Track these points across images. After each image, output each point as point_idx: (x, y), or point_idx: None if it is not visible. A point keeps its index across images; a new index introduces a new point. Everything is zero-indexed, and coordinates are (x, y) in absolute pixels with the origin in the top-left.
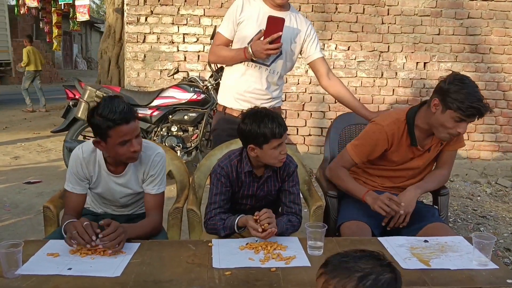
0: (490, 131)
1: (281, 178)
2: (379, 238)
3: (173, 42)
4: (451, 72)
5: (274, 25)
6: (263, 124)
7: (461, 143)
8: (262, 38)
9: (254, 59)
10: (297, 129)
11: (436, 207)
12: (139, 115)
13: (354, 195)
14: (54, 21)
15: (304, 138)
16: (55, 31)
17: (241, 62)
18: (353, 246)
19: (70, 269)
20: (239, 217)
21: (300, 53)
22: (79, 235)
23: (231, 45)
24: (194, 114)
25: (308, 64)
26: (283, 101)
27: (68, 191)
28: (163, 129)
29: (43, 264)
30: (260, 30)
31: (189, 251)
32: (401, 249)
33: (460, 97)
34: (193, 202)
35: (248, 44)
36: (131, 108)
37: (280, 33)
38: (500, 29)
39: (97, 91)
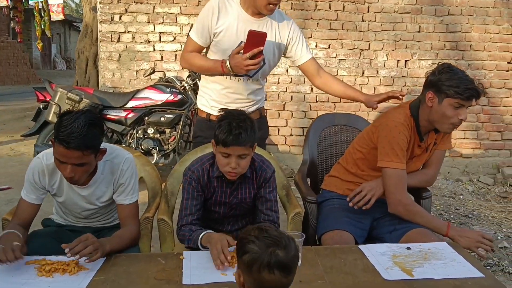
0: (472, 129)
1: (257, 184)
2: (360, 246)
3: (149, 41)
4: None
5: (256, 39)
6: (221, 126)
7: (449, 144)
8: (241, 52)
9: (233, 74)
10: (278, 129)
11: None
12: (114, 117)
13: (436, 231)
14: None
15: (286, 138)
16: (38, 31)
17: (219, 74)
18: (333, 255)
19: None
20: (203, 233)
21: (285, 55)
22: (3, 251)
23: (206, 51)
24: (171, 116)
25: (297, 66)
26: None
27: (22, 198)
28: (139, 132)
29: None
30: (240, 43)
31: (158, 265)
32: (382, 258)
33: (455, 83)
34: (164, 211)
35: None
36: (89, 137)
37: (262, 48)
38: (480, 26)
39: (69, 93)
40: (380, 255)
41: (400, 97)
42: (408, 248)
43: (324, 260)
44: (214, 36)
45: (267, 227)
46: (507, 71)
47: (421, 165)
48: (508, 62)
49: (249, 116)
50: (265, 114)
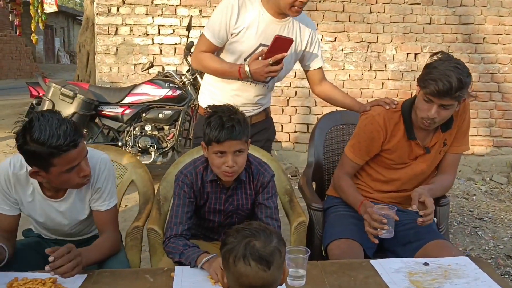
0: (484, 125)
1: (255, 190)
2: (372, 262)
3: (147, 34)
4: None
5: (280, 45)
6: (211, 123)
7: (465, 146)
8: (261, 57)
9: (251, 80)
10: (282, 125)
11: (434, 219)
12: (109, 113)
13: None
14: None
15: (289, 135)
16: (33, 24)
17: (234, 79)
18: (341, 272)
19: None
20: (206, 258)
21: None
22: None
23: (219, 52)
24: (169, 112)
25: (304, 70)
26: None
27: None
28: (136, 129)
29: None
30: (259, 46)
31: (146, 283)
32: (397, 276)
33: (427, 73)
34: (155, 220)
35: (245, 60)
36: (75, 126)
37: (286, 54)
38: (495, 18)
39: (62, 88)
40: (395, 273)
41: (387, 107)
42: (426, 264)
43: (331, 278)
44: (231, 36)
45: (252, 222)
46: None
47: (430, 168)
48: None
49: (239, 110)
50: (271, 115)
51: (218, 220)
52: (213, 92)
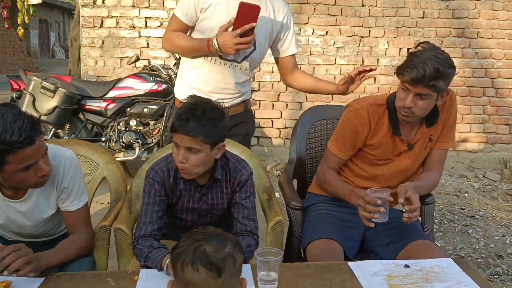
0: (478, 121)
1: (232, 188)
2: (350, 264)
3: (134, 27)
4: None
5: (247, 14)
6: (177, 111)
7: (450, 142)
8: (231, 29)
9: (220, 54)
10: (272, 121)
11: (419, 218)
12: (93, 108)
13: (343, 199)
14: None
15: (280, 131)
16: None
17: (203, 56)
18: (317, 274)
19: None
20: (165, 258)
21: (271, 45)
22: None
23: (191, 32)
24: (154, 107)
25: (275, 58)
26: (255, 91)
27: None
28: (120, 124)
29: None
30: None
31: (107, 287)
32: (376, 279)
33: (406, 60)
34: (124, 219)
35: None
36: (33, 121)
37: (254, 24)
38: (489, 12)
39: (43, 82)
40: (373, 276)
41: (369, 69)
42: (407, 266)
43: (306, 282)
44: (200, 12)
45: (209, 226)
46: None
47: (415, 165)
48: None
49: (219, 109)
50: (251, 108)
51: (192, 219)
52: (189, 80)
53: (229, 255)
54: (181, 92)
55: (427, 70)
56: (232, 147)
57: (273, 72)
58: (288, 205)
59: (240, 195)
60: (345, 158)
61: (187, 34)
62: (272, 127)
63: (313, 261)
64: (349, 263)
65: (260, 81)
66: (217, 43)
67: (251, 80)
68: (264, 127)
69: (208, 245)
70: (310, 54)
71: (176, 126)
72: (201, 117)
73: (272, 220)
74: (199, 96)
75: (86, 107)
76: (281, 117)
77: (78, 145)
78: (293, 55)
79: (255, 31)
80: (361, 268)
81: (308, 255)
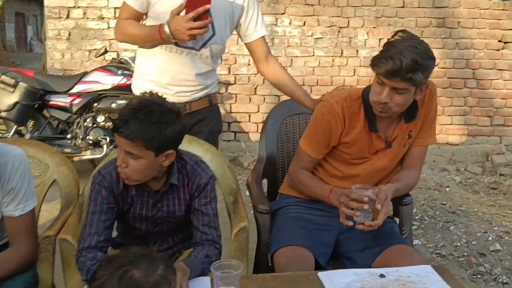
0: (459, 113)
1: (190, 194)
2: (320, 274)
3: (102, 18)
4: None
5: None
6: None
7: (431, 138)
8: (183, 13)
9: (174, 41)
10: (249, 115)
11: (396, 220)
12: (57, 103)
13: (322, 200)
14: None
15: (257, 126)
16: None
17: (157, 44)
18: (283, 287)
19: None
20: None
21: (236, 29)
22: None
23: (144, 20)
24: (123, 101)
25: (245, 43)
26: (231, 84)
27: None
28: (87, 120)
29: None
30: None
31: None
32: None
33: (382, 50)
34: (71, 228)
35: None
36: None
37: (208, 6)
38: (469, 1)
39: (3, 76)
40: (345, 287)
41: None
42: (382, 275)
43: None
44: None
45: (132, 247)
46: (498, 50)
47: (393, 163)
48: (499, 41)
49: (170, 113)
50: (217, 102)
51: (146, 228)
52: (145, 72)
53: (162, 278)
54: (138, 87)
55: (404, 61)
56: (196, 145)
57: (249, 64)
58: (255, 209)
59: (199, 201)
60: (318, 158)
61: (141, 22)
62: (249, 121)
63: (280, 271)
64: (319, 274)
65: (236, 74)
66: (169, 28)
67: (215, 71)
68: (241, 122)
69: (136, 270)
70: (288, 46)
71: (115, 126)
72: (144, 119)
73: (236, 227)
74: (154, 95)
75: (50, 102)
76: (258, 111)
77: (27, 145)
78: (263, 38)
79: (212, 14)
80: (332, 279)
81: (275, 263)
